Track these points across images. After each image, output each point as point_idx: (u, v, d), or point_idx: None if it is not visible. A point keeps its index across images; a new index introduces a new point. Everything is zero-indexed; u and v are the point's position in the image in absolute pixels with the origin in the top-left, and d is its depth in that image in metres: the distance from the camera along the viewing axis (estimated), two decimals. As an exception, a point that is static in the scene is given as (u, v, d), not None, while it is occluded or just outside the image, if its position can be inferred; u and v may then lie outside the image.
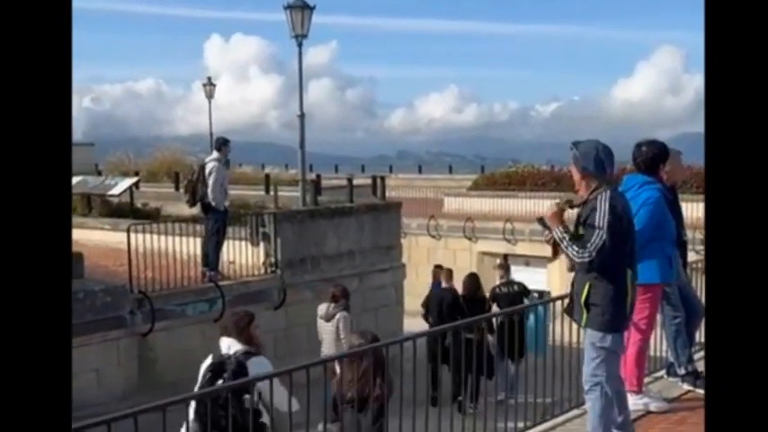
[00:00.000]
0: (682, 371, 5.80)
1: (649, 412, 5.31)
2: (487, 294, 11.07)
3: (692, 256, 8.20)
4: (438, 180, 29.79)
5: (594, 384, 4.24)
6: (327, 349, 9.04)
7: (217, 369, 4.33)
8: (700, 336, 6.76)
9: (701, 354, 6.70)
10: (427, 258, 19.03)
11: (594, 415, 4.28)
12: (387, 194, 17.45)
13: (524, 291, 11.02)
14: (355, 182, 17.09)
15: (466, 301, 10.75)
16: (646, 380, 5.80)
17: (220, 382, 4.26)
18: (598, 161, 4.22)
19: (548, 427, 5.33)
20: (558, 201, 4.61)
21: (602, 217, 4.08)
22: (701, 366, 6.12)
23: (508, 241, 18.83)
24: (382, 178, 16.47)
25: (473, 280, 11.22)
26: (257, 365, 4.34)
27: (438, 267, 13.19)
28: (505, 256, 18.75)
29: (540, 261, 17.45)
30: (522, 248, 18.90)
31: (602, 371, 4.20)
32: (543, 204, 16.79)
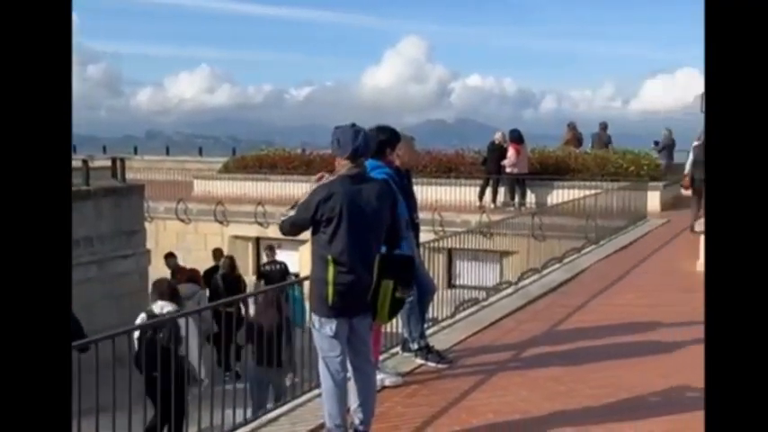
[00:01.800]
0: (414, 346, 6.12)
1: (384, 387, 5.53)
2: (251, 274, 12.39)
3: (429, 236, 8.70)
4: (187, 162, 28.90)
5: (323, 366, 4.34)
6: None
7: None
8: (432, 312, 7.20)
9: (434, 329, 7.15)
10: (176, 243, 18.42)
11: (324, 396, 4.37)
12: (130, 177, 16.62)
13: (287, 270, 12.57)
14: (95, 163, 16.08)
15: (225, 281, 11.93)
16: (382, 356, 6.05)
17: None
18: (347, 144, 4.28)
19: (291, 407, 5.37)
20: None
21: (302, 199, 4.28)
22: (432, 341, 6.52)
23: (260, 224, 18.75)
24: (122, 160, 15.61)
25: (231, 261, 12.59)
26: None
27: (217, 251, 14.23)
28: (257, 240, 18.71)
29: (292, 244, 17.60)
30: (273, 232, 18.92)
31: (325, 353, 4.31)
32: (294, 188, 16.96)
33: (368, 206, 4.24)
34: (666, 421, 4.98)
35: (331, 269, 4.14)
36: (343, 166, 4.30)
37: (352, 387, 4.41)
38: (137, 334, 6.80)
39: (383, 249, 4.35)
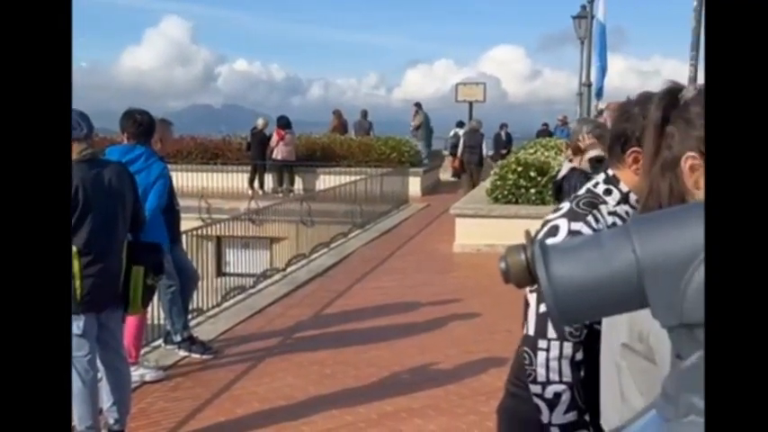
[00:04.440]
0: (177, 338, 5.93)
1: (145, 382, 5.31)
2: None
3: (195, 224, 8.47)
4: None
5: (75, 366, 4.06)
6: None
7: None
8: (198, 301, 7.03)
9: (199, 319, 6.98)
10: None
11: (73, 398, 4.08)
12: None
13: None
14: None
15: None
16: (144, 350, 5.80)
17: None
18: (79, 126, 3.96)
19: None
20: None
21: None
22: (197, 331, 6.36)
23: None
24: None
25: None
26: None
27: None
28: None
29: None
30: None
31: (72, 353, 4.02)
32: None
33: (110, 190, 3.98)
34: (425, 396, 5.24)
35: (76, 262, 3.86)
36: (75, 151, 3.93)
37: (104, 386, 4.16)
38: None
39: (129, 236, 4.15)
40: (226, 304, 7.67)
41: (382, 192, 14.83)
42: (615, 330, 1.48)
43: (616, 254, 0.69)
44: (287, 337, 6.65)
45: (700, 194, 1.28)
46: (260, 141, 17.29)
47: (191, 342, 5.96)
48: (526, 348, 1.88)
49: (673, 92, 1.42)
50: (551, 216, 1.95)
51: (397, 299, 8.05)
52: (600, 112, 10.01)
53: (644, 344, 1.39)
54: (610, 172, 1.97)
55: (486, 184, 12.44)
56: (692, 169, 1.31)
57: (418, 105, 21.31)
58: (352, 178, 14.36)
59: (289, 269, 9.55)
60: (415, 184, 17.94)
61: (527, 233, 0.75)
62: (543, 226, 1.94)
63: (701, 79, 7.65)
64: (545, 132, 22.94)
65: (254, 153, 17.35)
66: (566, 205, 1.95)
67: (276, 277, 9.11)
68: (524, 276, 0.72)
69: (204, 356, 5.91)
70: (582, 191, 1.98)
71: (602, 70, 18.04)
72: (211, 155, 18.33)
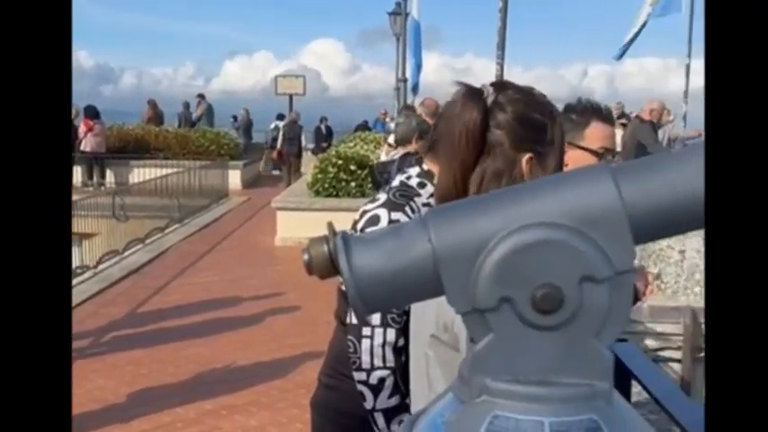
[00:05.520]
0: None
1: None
2: None
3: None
4: None
5: None
6: None
7: None
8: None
9: None
10: None
11: None
12: None
13: None
14: None
15: None
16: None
17: None
18: None
19: None
20: None
21: None
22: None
23: None
24: None
25: None
26: None
27: None
28: None
29: None
30: None
31: None
32: None
33: None
34: (246, 392, 5.19)
35: None
36: None
37: None
38: None
39: None
40: (30, 306, 7.18)
41: (201, 185, 14.47)
42: (423, 321, 1.53)
43: (413, 243, 0.71)
44: (99, 338, 6.34)
45: None
46: (66, 132, 16.31)
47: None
48: (350, 337, 1.91)
49: (478, 94, 1.48)
50: (369, 206, 1.97)
51: (218, 294, 7.90)
52: (408, 107, 10.30)
53: (449, 333, 1.45)
54: (425, 167, 2.02)
55: (307, 178, 12.48)
56: (530, 167, 1.40)
57: (201, 96, 21.29)
58: (169, 171, 13.90)
59: (100, 266, 9.09)
60: (235, 178, 17.65)
61: (329, 225, 0.76)
62: (362, 216, 1.97)
63: (506, 77, 8.09)
64: (364, 126, 23.38)
65: (61, 144, 16.33)
66: (383, 196, 1.98)
67: (87, 275, 8.64)
68: (327, 267, 0.73)
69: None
70: (396, 183, 2.03)
71: (418, 67, 18.60)
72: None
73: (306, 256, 0.74)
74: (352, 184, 10.81)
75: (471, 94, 1.47)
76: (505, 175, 1.46)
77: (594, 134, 2.30)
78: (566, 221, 0.68)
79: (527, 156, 1.48)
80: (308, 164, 15.92)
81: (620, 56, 17.67)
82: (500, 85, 1.53)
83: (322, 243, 0.73)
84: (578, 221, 0.68)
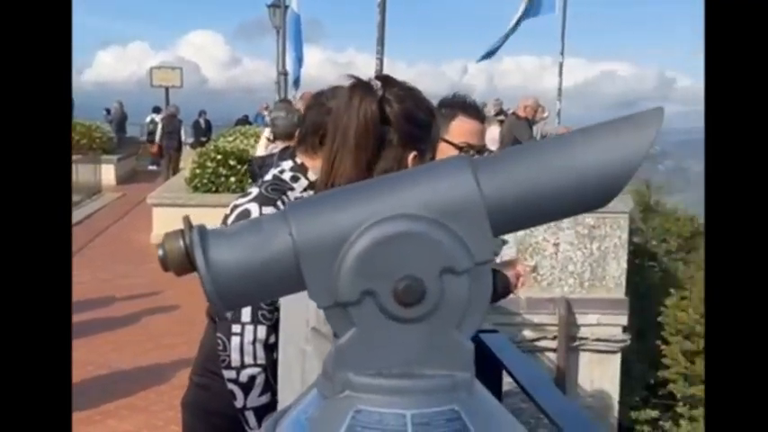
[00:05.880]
0: None
1: None
2: None
3: None
4: None
5: None
6: None
7: None
8: None
9: None
10: None
11: None
12: None
13: None
14: None
15: None
16: None
17: None
18: None
19: None
20: None
21: None
22: None
23: None
24: None
25: None
26: None
27: None
28: None
29: None
30: None
31: None
32: None
33: None
34: (120, 395, 5.01)
35: None
36: None
37: None
38: None
39: None
40: None
41: (72, 180, 13.85)
42: (298, 316, 1.51)
43: (274, 237, 0.69)
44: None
45: None
46: None
47: None
48: (219, 334, 1.86)
49: (371, 87, 1.47)
50: (240, 200, 1.93)
51: (91, 294, 7.58)
52: (284, 100, 10.20)
53: (329, 325, 1.44)
54: (298, 160, 2.00)
55: (185, 173, 12.17)
56: (414, 166, 1.41)
57: None
58: (37, 166, 13.23)
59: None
60: (108, 172, 17.00)
61: (185, 219, 0.73)
62: (232, 211, 1.92)
63: (390, 73, 8.11)
64: (245, 120, 23.03)
65: None
66: (254, 190, 1.95)
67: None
68: (183, 263, 0.70)
69: None
70: (268, 177, 2.00)
71: (299, 60, 18.47)
72: None
73: (161, 252, 0.70)
74: (232, 179, 10.61)
75: (365, 86, 1.45)
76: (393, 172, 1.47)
77: (458, 128, 2.32)
78: (426, 213, 0.68)
79: (413, 154, 1.49)
80: (187, 158, 15.53)
81: (483, 58, 18.08)
82: (385, 80, 1.52)
83: (177, 237, 0.70)
84: (438, 213, 0.68)
